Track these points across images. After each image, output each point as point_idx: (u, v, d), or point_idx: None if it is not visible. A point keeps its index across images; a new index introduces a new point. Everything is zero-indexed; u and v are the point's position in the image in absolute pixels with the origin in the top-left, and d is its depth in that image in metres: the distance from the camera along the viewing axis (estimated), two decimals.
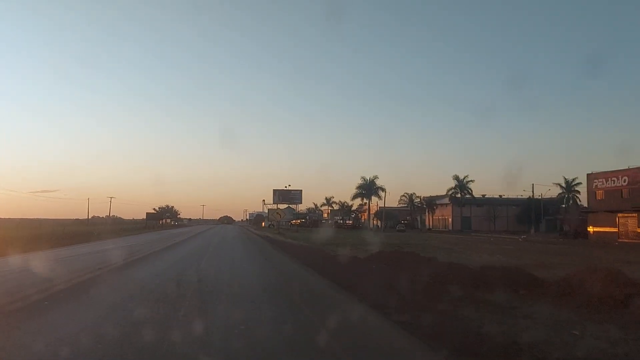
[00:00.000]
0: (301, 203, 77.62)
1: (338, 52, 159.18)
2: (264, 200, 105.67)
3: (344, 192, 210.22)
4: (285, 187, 72.13)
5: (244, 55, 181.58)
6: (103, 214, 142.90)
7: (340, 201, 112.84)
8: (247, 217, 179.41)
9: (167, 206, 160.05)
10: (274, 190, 73.04)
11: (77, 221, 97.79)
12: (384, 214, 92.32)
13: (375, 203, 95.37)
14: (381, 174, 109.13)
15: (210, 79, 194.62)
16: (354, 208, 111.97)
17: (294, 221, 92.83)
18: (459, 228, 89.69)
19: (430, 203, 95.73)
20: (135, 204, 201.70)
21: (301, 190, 75.49)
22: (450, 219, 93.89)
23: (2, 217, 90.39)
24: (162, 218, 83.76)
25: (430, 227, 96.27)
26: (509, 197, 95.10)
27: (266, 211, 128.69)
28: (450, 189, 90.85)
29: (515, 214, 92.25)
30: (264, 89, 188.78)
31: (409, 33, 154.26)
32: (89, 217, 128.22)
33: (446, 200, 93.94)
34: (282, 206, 79.20)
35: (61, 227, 48.10)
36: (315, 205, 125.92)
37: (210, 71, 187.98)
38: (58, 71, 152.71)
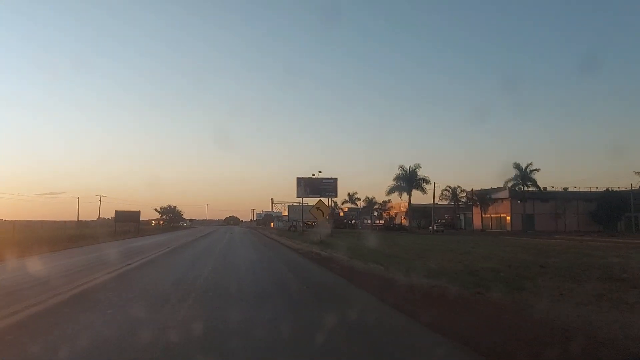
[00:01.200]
0: (336, 196, 57.46)
1: (335, 53, 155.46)
2: (272, 199, 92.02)
3: (356, 190, 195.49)
4: (313, 175, 52.45)
5: (247, 55, 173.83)
6: (109, 215, 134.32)
7: (367, 197, 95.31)
8: (255, 217, 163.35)
9: (170, 206, 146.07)
10: (298, 179, 52.97)
11: (82, 223, 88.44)
12: (432, 211, 75.05)
13: (403, 199, 77.83)
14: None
15: (212, 79, 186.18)
16: (376, 206, 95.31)
17: (310, 222, 73.36)
18: (519, 228, 72.30)
19: (483, 198, 77.97)
20: (138, 204, 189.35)
21: (336, 178, 54.93)
22: (508, 217, 76.31)
23: (10, 219, 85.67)
24: (137, 219, 65.81)
25: (481, 227, 78.87)
26: (579, 190, 77.76)
27: (275, 211, 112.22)
28: (509, 180, 73.23)
29: (589, 210, 74.61)
30: (268, 89, 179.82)
31: (402, 37, 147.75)
32: (97, 218, 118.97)
33: (503, 195, 76.44)
34: (297, 201, 60.27)
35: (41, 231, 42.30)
36: (335, 202, 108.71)
37: (212, 72, 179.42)
38: (58, 73, 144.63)
